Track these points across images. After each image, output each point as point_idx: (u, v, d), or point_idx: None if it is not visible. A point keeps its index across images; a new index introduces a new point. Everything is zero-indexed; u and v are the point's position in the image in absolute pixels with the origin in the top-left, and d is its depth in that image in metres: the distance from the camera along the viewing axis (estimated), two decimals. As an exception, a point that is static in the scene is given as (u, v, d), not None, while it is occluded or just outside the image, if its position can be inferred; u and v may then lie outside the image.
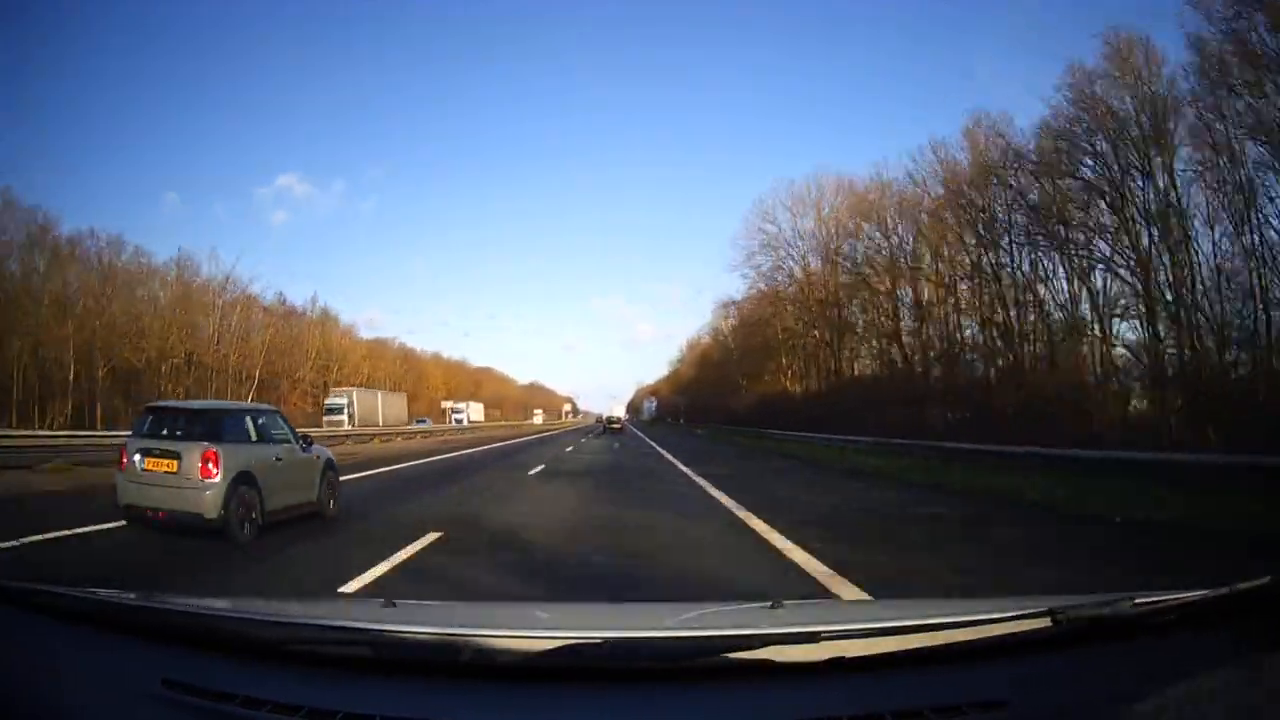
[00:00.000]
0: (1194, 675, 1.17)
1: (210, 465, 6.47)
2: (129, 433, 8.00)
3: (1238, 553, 6.05)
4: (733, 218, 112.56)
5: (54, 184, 65.59)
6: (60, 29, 60.28)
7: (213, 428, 6.92)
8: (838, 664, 1.21)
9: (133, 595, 1.63)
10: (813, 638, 1.24)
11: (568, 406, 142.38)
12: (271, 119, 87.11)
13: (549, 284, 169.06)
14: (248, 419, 7.52)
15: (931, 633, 1.27)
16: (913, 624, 1.30)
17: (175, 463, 6.53)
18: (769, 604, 1.63)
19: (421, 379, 77.00)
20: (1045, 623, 1.27)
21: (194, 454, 6.50)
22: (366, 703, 1.16)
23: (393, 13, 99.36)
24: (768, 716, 1.15)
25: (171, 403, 10.21)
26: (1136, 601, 1.32)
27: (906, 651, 1.24)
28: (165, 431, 6.93)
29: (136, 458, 6.70)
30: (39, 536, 6.62)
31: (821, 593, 4.84)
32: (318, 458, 8.38)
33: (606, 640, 1.26)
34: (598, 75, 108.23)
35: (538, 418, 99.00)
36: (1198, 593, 1.33)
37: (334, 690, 1.20)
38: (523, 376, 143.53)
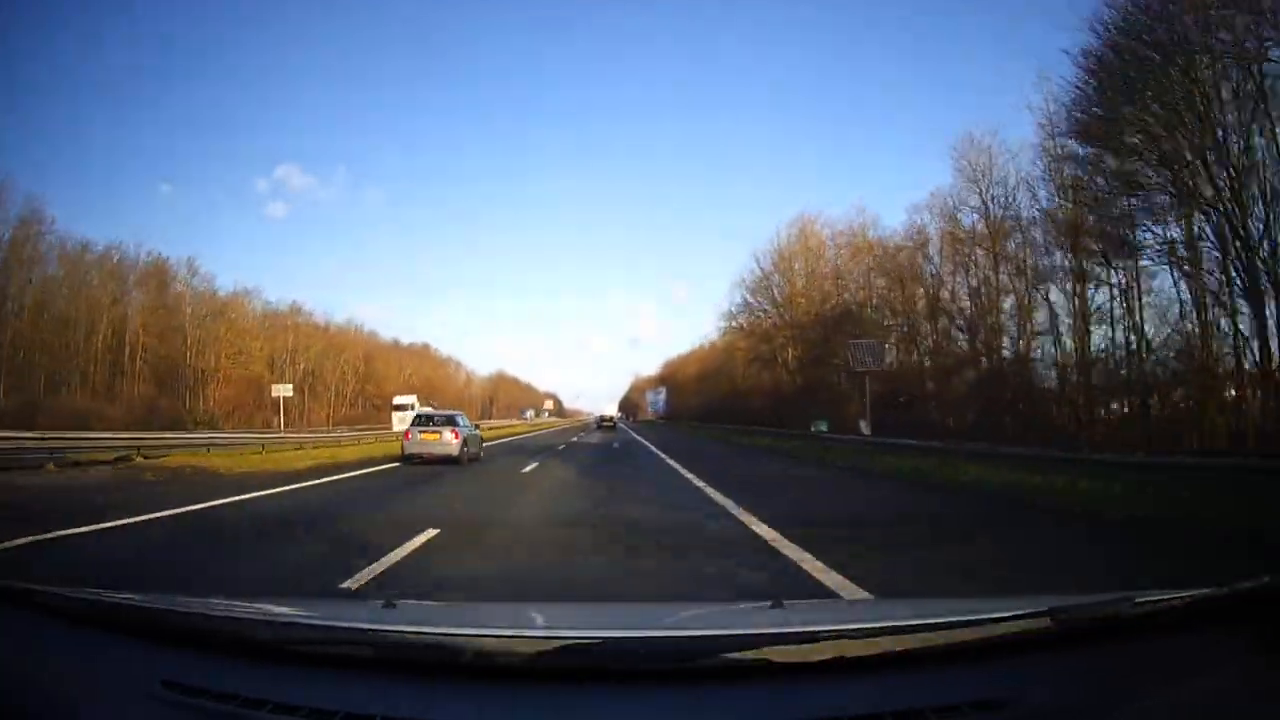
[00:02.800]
0: (1194, 675, 1.18)
1: (454, 436, 16.06)
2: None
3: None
4: (738, 214, 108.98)
5: (44, 173, 65.73)
6: (53, 15, 59.11)
7: (451, 420, 16.85)
8: (838, 664, 1.20)
9: (133, 595, 1.63)
10: (813, 637, 1.25)
11: (549, 404, 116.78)
12: (264, 112, 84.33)
13: (548, 281, 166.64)
14: (460, 417, 17.51)
15: (932, 632, 1.27)
16: (913, 624, 1.31)
17: (439, 435, 16.08)
18: (769, 603, 1.63)
19: (247, 350, 47.52)
20: (1045, 623, 1.27)
21: (447, 431, 16.17)
22: (366, 703, 1.15)
23: (384, 13, 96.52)
24: (768, 717, 1.15)
25: (428, 410, 22.24)
26: (1136, 601, 1.32)
27: (907, 651, 1.23)
28: (429, 423, 16.79)
29: (416, 433, 16.21)
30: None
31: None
32: (479, 435, 19.20)
33: (607, 640, 1.27)
34: (590, 77, 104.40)
35: (400, 422, 35.60)
36: (1198, 592, 1.33)
37: (334, 690, 1.20)
38: (502, 368, 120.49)
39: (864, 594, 4.27)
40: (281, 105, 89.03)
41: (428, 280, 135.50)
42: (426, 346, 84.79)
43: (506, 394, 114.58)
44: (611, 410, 71.87)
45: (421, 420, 17.02)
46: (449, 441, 15.80)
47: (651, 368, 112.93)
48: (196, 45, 67.27)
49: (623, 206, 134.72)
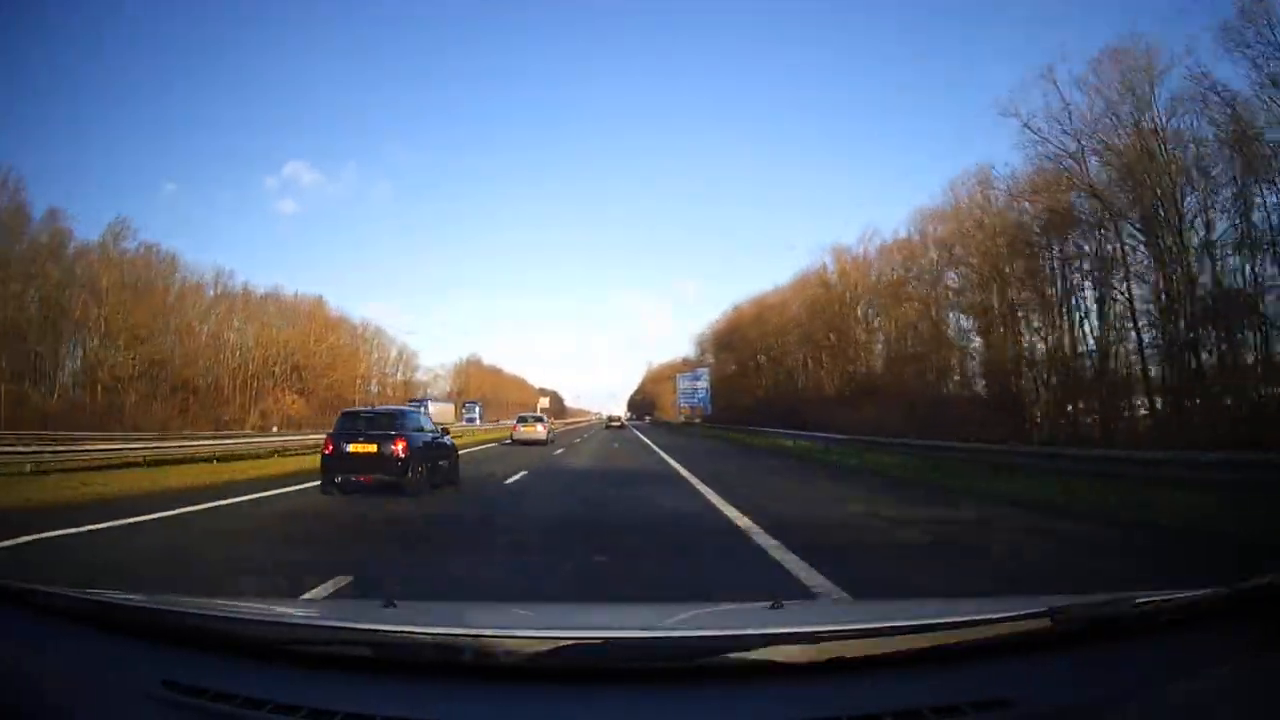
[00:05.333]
0: (1194, 675, 1.18)
1: (544, 429, 29.69)
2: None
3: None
4: (740, 214, 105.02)
5: (43, 170, 62.71)
6: (60, 13, 54.75)
7: (540, 419, 31.77)
8: (837, 664, 1.20)
9: (133, 595, 1.62)
10: (813, 638, 1.24)
11: (543, 403, 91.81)
12: (268, 109, 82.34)
13: (551, 279, 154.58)
14: (545, 416, 35.59)
15: (932, 633, 1.26)
16: (913, 624, 1.30)
17: (534, 428, 29.24)
18: (769, 604, 1.62)
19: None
20: (1045, 623, 1.26)
21: (540, 425, 29.80)
22: (366, 703, 1.15)
23: (383, 9, 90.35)
24: (768, 717, 1.14)
25: (526, 414, 34.19)
26: (1137, 601, 1.32)
27: (907, 651, 1.23)
28: (527, 420, 30.62)
29: (520, 427, 29.64)
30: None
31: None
32: (555, 428, 37.06)
33: (607, 640, 1.27)
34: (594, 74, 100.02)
35: None
36: (1198, 592, 1.32)
37: (334, 690, 1.20)
38: (478, 354, 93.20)
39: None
40: (285, 103, 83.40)
41: (429, 277, 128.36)
42: (320, 301, 51.15)
43: (479, 388, 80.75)
44: (618, 410, 73.33)
45: (522, 420, 30.45)
46: (540, 432, 28.73)
47: (678, 348, 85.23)
48: (197, 44, 70.46)
49: (627, 205, 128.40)
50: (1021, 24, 57.72)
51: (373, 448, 10.18)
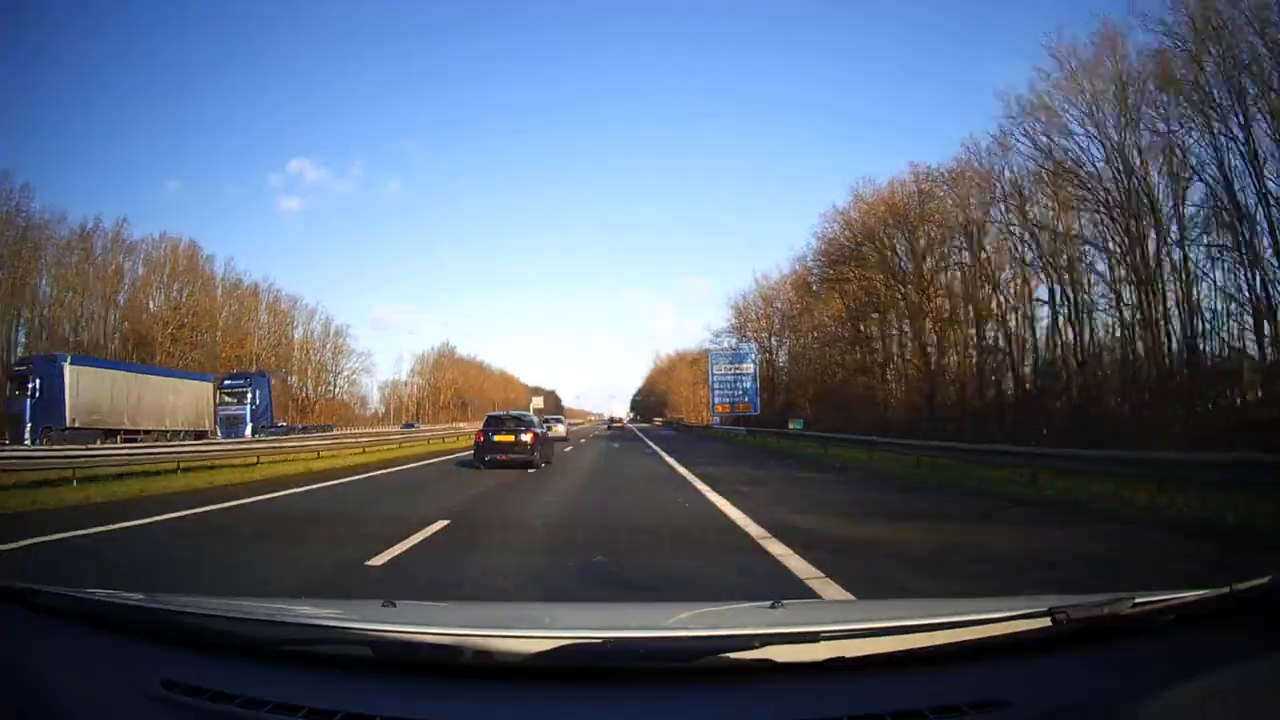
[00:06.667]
0: (1194, 675, 1.17)
1: (565, 427, 36.24)
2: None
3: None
4: (742, 212, 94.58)
5: (44, 165, 61.72)
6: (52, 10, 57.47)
7: (559, 421, 37.40)
8: (838, 664, 1.20)
9: (133, 595, 1.61)
10: (813, 638, 1.24)
11: (537, 402, 75.34)
12: (267, 109, 67.35)
13: (551, 278, 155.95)
14: (563, 417, 48.72)
15: (932, 633, 1.26)
16: (913, 624, 1.29)
17: (557, 427, 31.46)
18: (769, 604, 1.62)
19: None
20: (1045, 623, 1.26)
21: (560, 425, 34.52)
22: (366, 703, 1.15)
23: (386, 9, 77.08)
24: (768, 717, 1.14)
25: (550, 416, 38.24)
26: (1136, 601, 1.31)
27: (906, 651, 1.23)
28: (549, 420, 29.95)
29: (544, 425, 19.98)
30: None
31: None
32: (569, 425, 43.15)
33: (607, 640, 1.26)
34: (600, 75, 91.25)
35: None
36: (1198, 593, 1.32)
37: (334, 690, 1.19)
38: (453, 345, 77.52)
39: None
40: (291, 103, 77.85)
41: (429, 277, 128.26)
42: (193, 247, 36.15)
43: (454, 385, 63.95)
44: (621, 411, 72.53)
45: (548, 422, 28.43)
46: (562, 431, 32.70)
47: (694, 336, 70.18)
48: (197, 44, 72.29)
49: (630, 205, 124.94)
50: (1022, 23, 58.78)
51: (511, 438, 15.71)
